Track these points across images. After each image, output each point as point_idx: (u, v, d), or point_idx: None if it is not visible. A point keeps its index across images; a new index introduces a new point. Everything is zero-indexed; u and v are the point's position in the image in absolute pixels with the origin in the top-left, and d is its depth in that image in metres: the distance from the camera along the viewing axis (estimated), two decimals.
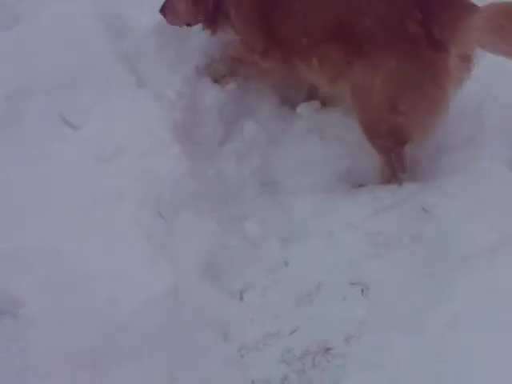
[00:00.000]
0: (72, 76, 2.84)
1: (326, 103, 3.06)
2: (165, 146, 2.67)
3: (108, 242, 2.35)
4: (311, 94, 3.12)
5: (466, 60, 2.47)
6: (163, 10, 3.11)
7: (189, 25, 3.15)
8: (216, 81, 3.11)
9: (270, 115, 2.98)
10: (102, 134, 2.67)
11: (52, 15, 3.05)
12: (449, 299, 2.15)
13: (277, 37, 2.83)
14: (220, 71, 3.12)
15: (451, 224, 2.41)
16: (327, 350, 2.21)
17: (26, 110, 2.73)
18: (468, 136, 2.77)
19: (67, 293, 2.19)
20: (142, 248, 2.37)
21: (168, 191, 2.57)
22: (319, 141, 2.91)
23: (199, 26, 3.07)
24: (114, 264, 2.28)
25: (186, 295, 2.34)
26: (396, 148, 2.69)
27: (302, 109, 3.03)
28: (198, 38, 3.14)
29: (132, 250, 2.34)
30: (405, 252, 2.43)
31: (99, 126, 2.70)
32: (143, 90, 2.88)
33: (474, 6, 2.37)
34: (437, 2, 2.41)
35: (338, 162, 2.87)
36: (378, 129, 2.63)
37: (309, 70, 2.78)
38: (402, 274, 2.35)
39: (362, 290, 2.37)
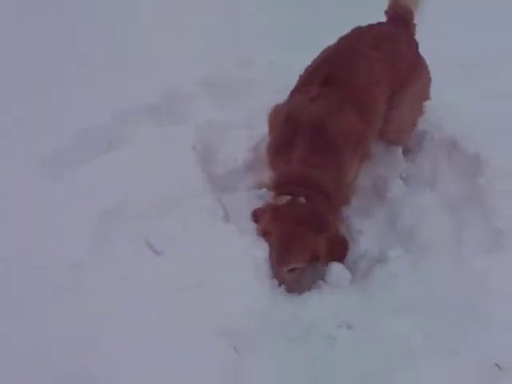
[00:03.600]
0: (162, 202, 2.94)
1: None
2: (244, 284, 2.66)
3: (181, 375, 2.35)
4: None
5: None
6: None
7: None
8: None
9: None
10: (184, 263, 2.70)
11: (153, 141, 3.26)
12: None
13: None
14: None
15: None
16: None
17: (115, 231, 2.82)
18: None
19: None
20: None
21: (244, 328, 2.52)
22: None
23: None
24: None
25: None
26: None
27: None
28: None
29: None
30: None
31: (182, 255, 2.74)
32: (229, 224, 2.94)
33: None
34: None
35: None
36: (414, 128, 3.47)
37: None
38: None
39: None
